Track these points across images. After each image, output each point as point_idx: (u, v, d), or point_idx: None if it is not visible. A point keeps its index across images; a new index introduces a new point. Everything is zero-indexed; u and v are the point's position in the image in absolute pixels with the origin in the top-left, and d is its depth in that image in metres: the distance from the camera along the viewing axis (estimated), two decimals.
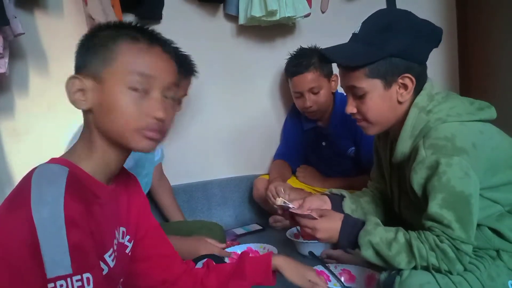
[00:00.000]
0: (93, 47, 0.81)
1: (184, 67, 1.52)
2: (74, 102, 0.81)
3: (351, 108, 1.16)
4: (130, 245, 0.94)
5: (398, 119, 1.14)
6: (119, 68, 0.78)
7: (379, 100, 1.11)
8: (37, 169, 0.75)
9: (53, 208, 0.69)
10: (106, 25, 0.84)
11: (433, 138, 1.04)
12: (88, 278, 0.70)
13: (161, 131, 0.82)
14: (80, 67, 0.82)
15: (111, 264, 0.83)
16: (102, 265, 0.81)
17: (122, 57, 0.79)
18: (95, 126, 0.81)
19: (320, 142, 1.99)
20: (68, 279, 0.68)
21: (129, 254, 0.94)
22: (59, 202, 0.69)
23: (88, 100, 0.80)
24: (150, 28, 0.85)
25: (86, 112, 0.82)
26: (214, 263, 1.07)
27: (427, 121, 1.08)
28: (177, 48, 1.49)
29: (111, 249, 0.84)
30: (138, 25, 0.84)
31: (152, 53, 0.81)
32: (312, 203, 1.24)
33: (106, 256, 0.82)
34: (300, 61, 1.85)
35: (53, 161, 0.80)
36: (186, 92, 1.61)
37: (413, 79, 1.10)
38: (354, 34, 1.15)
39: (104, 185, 0.84)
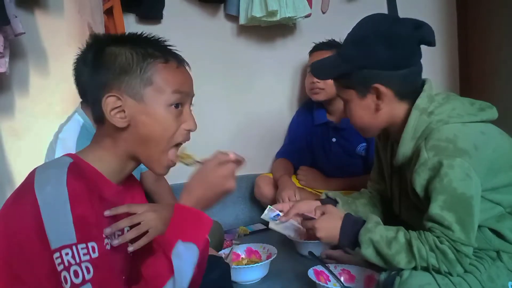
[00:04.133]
0: (123, 65, 0.81)
1: None
2: (112, 121, 0.81)
3: (344, 114, 1.22)
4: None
5: (392, 123, 1.15)
6: (159, 87, 0.82)
7: (357, 108, 1.15)
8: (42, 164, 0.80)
9: (56, 185, 0.72)
10: (130, 36, 0.86)
11: (435, 139, 1.04)
12: (93, 247, 0.71)
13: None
14: (112, 85, 0.81)
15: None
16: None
17: (159, 76, 0.82)
18: (125, 141, 0.83)
19: (330, 138, 1.97)
20: (74, 247, 0.69)
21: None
22: (62, 181, 0.72)
23: (127, 118, 0.81)
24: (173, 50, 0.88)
25: (117, 128, 0.82)
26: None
27: (428, 123, 1.08)
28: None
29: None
30: (159, 39, 0.87)
31: (182, 71, 0.86)
32: (300, 208, 1.25)
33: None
34: (328, 43, 1.91)
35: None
36: None
37: (384, 88, 1.09)
38: (340, 45, 1.19)
39: (113, 184, 0.85)
